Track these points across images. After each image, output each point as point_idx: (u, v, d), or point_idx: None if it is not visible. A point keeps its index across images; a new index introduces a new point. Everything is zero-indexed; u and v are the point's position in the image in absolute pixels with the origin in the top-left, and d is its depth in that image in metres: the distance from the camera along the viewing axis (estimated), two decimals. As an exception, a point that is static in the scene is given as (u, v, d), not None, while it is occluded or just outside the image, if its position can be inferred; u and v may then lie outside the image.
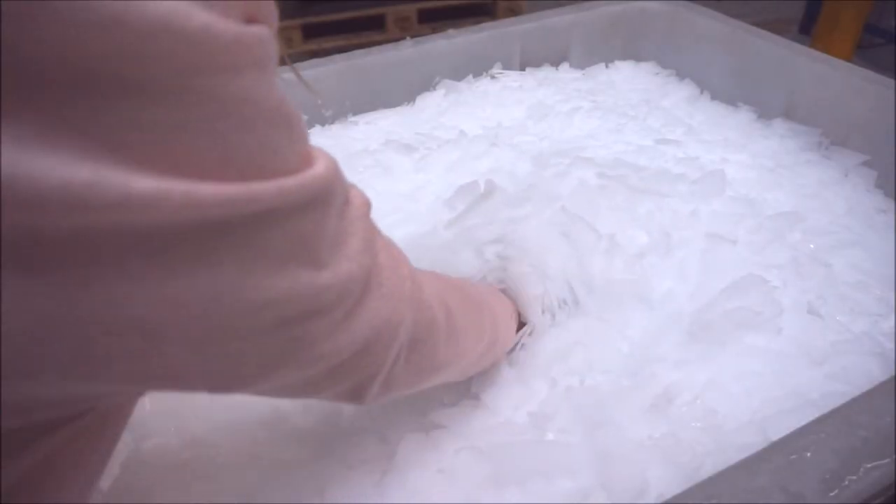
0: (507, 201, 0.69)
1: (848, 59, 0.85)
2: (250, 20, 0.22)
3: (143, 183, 0.19)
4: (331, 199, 0.26)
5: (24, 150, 0.17)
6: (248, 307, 0.23)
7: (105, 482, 0.47)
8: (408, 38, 0.95)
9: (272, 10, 0.24)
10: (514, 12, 1.97)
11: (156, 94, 0.19)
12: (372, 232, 0.31)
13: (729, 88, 0.94)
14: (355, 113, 0.92)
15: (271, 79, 0.23)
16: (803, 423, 0.42)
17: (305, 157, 0.26)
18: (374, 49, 0.93)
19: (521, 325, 0.61)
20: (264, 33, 0.22)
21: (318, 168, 0.26)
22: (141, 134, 0.19)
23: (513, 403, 0.53)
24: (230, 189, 0.21)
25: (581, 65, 1.04)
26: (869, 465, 0.38)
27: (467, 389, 0.56)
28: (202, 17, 0.19)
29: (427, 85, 0.96)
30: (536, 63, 1.03)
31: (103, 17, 0.17)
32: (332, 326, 0.28)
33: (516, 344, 0.59)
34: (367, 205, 0.31)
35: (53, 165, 0.17)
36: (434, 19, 1.98)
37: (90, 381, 0.22)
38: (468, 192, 0.69)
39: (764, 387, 0.52)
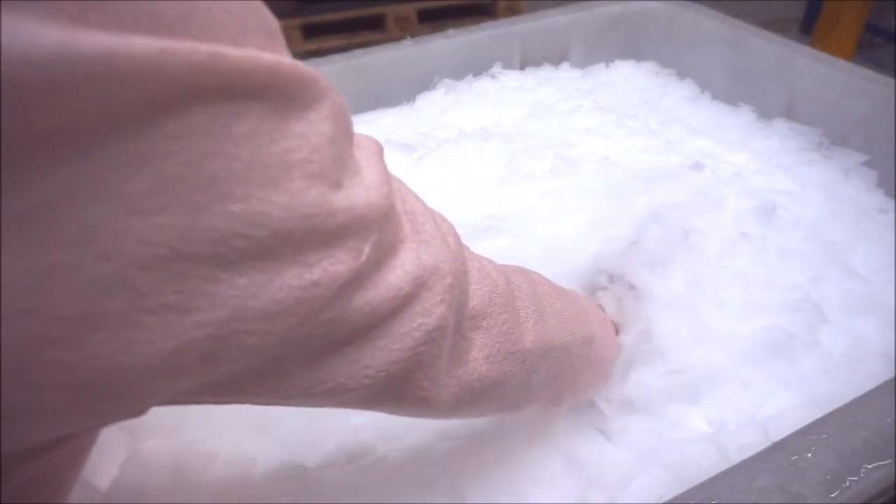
0: (508, 202, 0.69)
1: (849, 59, 0.85)
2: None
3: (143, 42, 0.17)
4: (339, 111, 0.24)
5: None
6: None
7: (104, 482, 0.47)
8: (408, 37, 0.95)
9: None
10: (514, 12, 1.97)
11: None
12: (388, 174, 0.28)
13: (729, 88, 0.94)
14: (355, 113, 0.92)
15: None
16: (804, 423, 0.42)
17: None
18: (374, 49, 0.93)
19: None
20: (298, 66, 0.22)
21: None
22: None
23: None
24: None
25: (581, 64, 1.04)
26: (870, 466, 0.38)
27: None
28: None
29: (427, 85, 0.96)
30: (536, 63, 1.03)
31: None
32: (359, 272, 0.24)
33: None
34: (379, 144, 0.29)
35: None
36: (434, 19, 1.98)
37: None
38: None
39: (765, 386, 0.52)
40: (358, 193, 0.24)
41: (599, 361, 0.48)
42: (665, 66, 1.03)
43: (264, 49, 0.21)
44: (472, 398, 0.34)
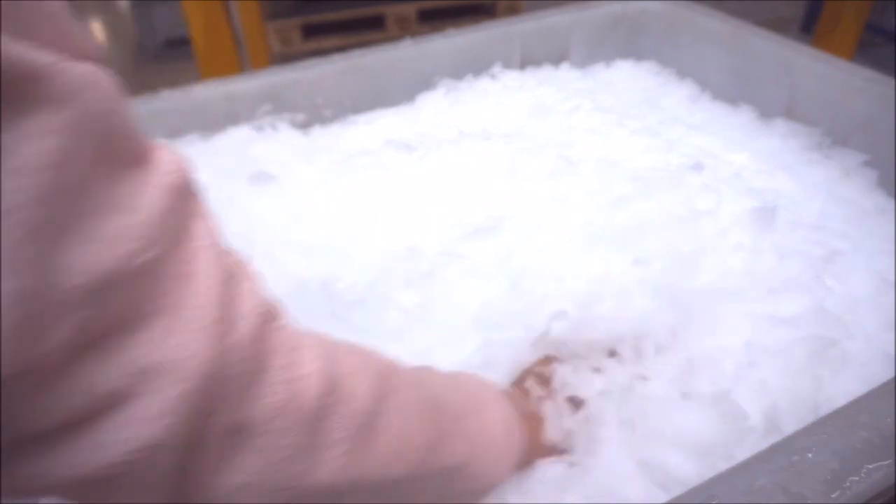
0: (508, 203, 0.69)
1: (849, 59, 0.85)
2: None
3: None
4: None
5: None
6: None
7: (104, 483, 0.47)
8: (408, 37, 0.95)
9: (95, 46, 0.21)
10: (514, 12, 1.96)
11: None
12: (174, 216, 0.23)
13: (729, 88, 0.94)
14: (355, 113, 0.92)
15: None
16: (804, 423, 0.41)
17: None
18: (374, 49, 0.92)
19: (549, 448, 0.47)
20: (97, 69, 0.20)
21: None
22: None
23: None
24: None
25: (581, 64, 1.04)
26: (871, 466, 0.38)
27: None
28: None
29: (427, 84, 0.96)
30: (536, 63, 1.03)
31: None
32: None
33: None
34: (181, 174, 0.24)
35: None
36: (434, 19, 1.98)
37: None
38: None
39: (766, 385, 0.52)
40: (83, 252, 0.18)
41: (474, 491, 0.40)
42: (665, 66, 1.03)
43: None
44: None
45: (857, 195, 0.74)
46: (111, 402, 0.20)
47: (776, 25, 1.07)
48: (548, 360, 0.53)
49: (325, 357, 0.28)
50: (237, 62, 1.51)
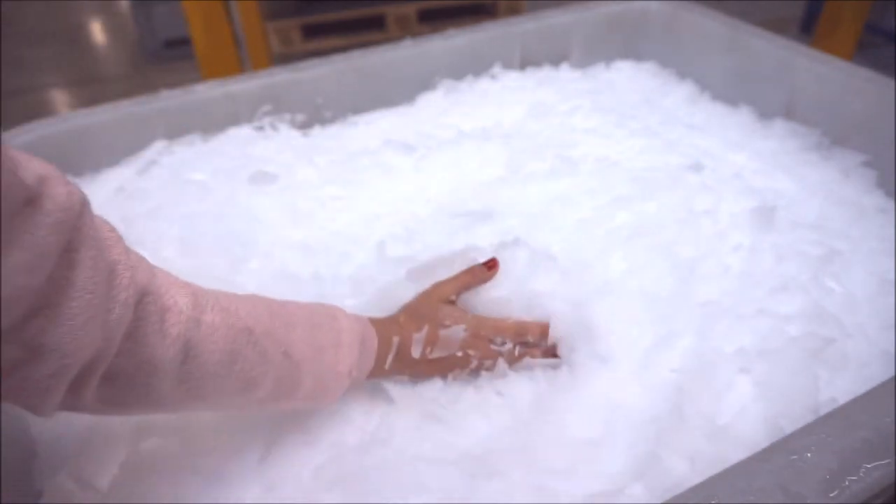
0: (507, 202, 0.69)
1: (849, 59, 0.85)
2: None
3: None
4: None
5: None
6: None
7: (104, 482, 0.47)
8: (408, 37, 0.95)
9: None
10: (514, 12, 1.97)
11: None
12: (58, 245, 0.27)
13: (729, 88, 0.94)
14: (355, 113, 0.92)
15: None
16: (804, 423, 0.42)
17: None
18: (374, 49, 0.93)
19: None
20: None
21: None
22: None
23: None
24: None
25: (581, 65, 1.04)
26: (869, 466, 0.38)
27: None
28: None
29: (427, 85, 0.96)
30: (536, 63, 1.03)
31: None
32: None
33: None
34: (68, 210, 0.27)
35: None
36: (434, 19, 1.98)
37: None
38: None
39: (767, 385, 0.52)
40: None
41: (323, 389, 0.47)
42: (665, 67, 1.03)
43: None
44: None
45: (857, 195, 0.74)
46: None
47: (776, 26, 1.07)
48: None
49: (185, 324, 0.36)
50: (237, 62, 1.51)
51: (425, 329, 0.54)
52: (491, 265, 0.58)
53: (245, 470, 0.49)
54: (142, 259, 0.35)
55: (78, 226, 0.28)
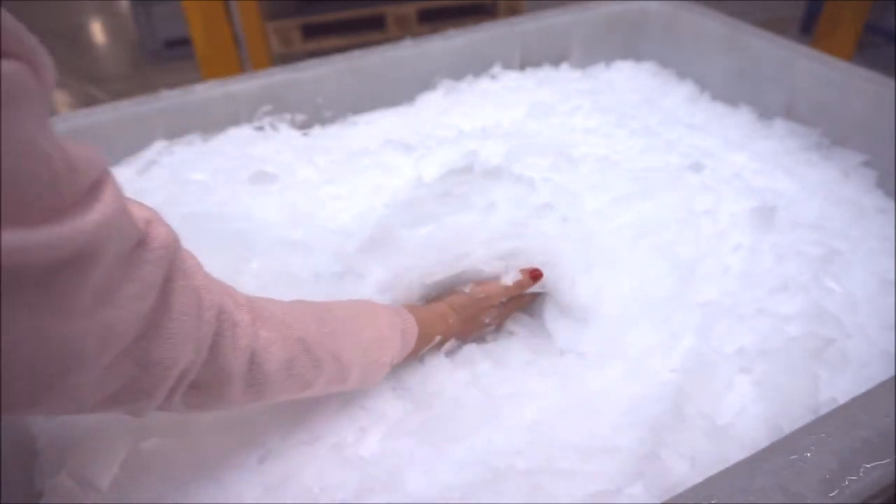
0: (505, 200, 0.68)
1: (849, 59, 0.85)
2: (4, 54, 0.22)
3: None
4: (98, 252, 0.26)
5: None
6: None
7: (104, 482, 0.47)
8: (408, 38, 0.95)
9: (33, 50, 0.23)
10: (514, 12, 1.97)
11: None
12: (160, 276, 0.32)
13: (729, 88, 0.94)
14: (355, 113, 0.92)
15: (24, 116, 0.22)
16: (803, 422, 0.42)
17: (83, 199, 0.26)
18: (374, 49, 0.93)
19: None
20: (13, 68, 0.22)
21: (87, 220, 0.25)
22: None
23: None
24: None
25: (581, 65, 1.04)
26: (869, 466, 0.38)
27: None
28: None
29: (427, 85, 0.96)
30: (536, 63, 1.03)
31: None
32: (92, 369, 0.29)
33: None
34: (167, 246, 0.32)
35: None
36: (434, 19, 1.97)
37: None
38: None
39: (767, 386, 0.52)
40: (104, 313, 0.28)
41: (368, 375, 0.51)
42: (665, 67, 1.03)
43: None
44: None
45: (856, 195, 0.74)
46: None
47: (775, 26, 1.07)
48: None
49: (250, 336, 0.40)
50: (237, 62, 1.51)
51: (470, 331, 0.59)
52: (535, 275, 0.60)
53: (245, 470, 0.49)
54: (214, 280, 0.39)
55: (173, 259, 0.33)
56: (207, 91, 0.85)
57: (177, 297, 0.33)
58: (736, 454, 0.43)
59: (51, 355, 0.26)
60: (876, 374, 0.54)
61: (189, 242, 0.67)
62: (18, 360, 0.25)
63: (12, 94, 0.22)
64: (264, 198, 0.75)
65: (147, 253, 0.30)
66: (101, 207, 0.26)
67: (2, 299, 0.23)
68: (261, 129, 0.87)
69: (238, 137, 0.85)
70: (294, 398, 0.46)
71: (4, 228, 0.22)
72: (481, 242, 0.61)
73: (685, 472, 0.46)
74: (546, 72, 1.01)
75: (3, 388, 0.26)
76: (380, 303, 0.55)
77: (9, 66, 0.22)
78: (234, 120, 0.87)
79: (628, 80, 1.01)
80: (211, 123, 0.86)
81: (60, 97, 2.17)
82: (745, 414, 0.51)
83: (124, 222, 0.28)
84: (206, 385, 0.38)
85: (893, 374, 0.48)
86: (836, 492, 0.37)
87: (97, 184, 0.27)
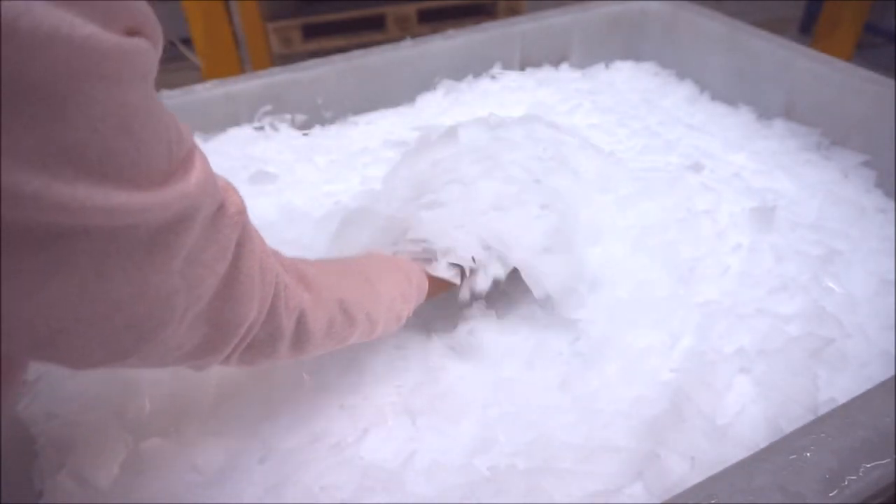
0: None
1: (848, 59, 0.85)
2: (131, 33, 0.23)
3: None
4: (194, 215, 0.29)
5: None
6: (100, 311, 0.26)
7: (105, 482, 0.47)
8: (408, 38, 0.95)
9: (154, 25, 0.25)
10: (514, 12, 1.96)
11: (47, 98, 0.21)
12: (234, 240, 0.33)
13: (729, 88, 0.94)
14: (355, 113, 0.92)
15: (150, 88, 0.25)
16: (803, 422, 0.42)
17: (183, 164, 0.28)
18: (374, 49, 0.93)
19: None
20: (143, 45, 0.24)
21: (189, 183, 0.28)
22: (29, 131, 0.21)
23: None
24: (87, 194, 0.23)
25: (581, 65, 1.04)
26: (869, 465, 0.38)
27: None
28: (85, 29, 0.21)
29: (427, 85, 0.96)
30: (536, 63, 1.03)
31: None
32: (179, 326, 0.31)
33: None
34: (241, 213, 0.34)
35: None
36: (434, 19, 1.97)
37: None
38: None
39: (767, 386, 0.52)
40: (193, 272, 0.30)
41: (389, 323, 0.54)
42: (665, 67, 1.03)
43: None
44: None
45: (856, 195, 0.74)
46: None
47: (775, 26, 1.07)
48: None
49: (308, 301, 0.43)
50: (237, 62, 1.51)
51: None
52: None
53: (245, 470, 0.49)
54: (266, 244, 0.41)
55: (244, 223, 0.34)
56: (207, 91, 0.85)
57: (245, 259, 0.35)
58: (735, 454, 0.43)
59: (150, 311, 0.28)
60: (875, 374, 0.54)
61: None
62: (125, 314, 0.27)
63: (147, 70, 0.24)
64: (264, 197, 0.75)
65: (226, 218, 0.32)
66: (197, 172, 0.28)
67: (118, 256, 0.25)
68: (261, 129, 0.87)
69: (238, 137, 0.85)
70: (325, 352, 0.48)
71: (134, 190, 0.24)
72: (475, 238, 0.61)
73: (685, 472, 0.46)
74: (546, 72, 1.01)
75: (112, 339, 0.28)
76: (400, 258, 0.58)
77: (142, 43, 0.23)
78: (235, 120, 0.87)
79: (628, 80, 1.01)
80: (211, 123, 0.86)
81: (60, 97, 2.17)
82: (744, 414, 0.51)
83: (211, 187, 0.30)
84: (259, 343, 0.40)
85: (893, 374, 0.48)
86: (835, 491, 0.37)
87: (192, 149, 0.29)
